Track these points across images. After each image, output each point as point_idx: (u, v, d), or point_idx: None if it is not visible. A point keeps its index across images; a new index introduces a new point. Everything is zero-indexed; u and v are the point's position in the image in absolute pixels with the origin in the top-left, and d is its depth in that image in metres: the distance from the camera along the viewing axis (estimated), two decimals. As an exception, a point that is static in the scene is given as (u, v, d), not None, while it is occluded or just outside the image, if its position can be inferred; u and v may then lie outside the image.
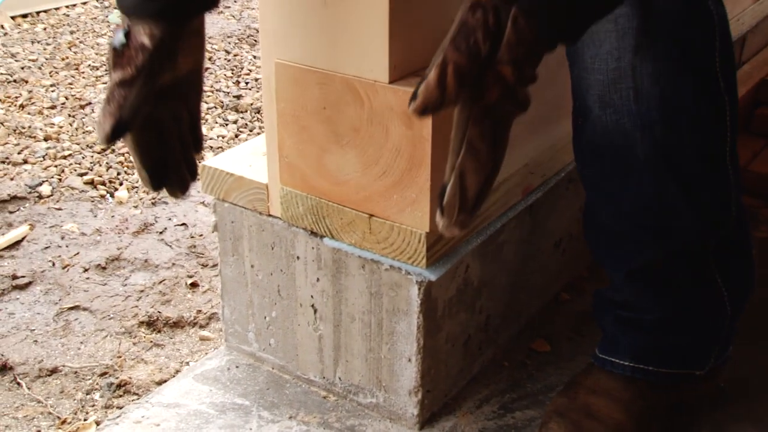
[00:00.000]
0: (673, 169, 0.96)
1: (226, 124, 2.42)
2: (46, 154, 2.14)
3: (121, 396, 1.35)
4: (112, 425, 1.13)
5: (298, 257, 1.11)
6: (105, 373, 1.39)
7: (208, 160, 1.17)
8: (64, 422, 1.28)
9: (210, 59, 2.87)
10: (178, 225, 1.87)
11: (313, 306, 1.13)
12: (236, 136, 2.36)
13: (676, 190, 0.97)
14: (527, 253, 1.25)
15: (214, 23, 3.26)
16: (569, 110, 1.05)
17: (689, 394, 1.13)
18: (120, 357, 1.43)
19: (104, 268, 1.70)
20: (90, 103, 2.47)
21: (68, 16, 3.30)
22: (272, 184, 1.10)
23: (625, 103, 0.94)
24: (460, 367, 1.16)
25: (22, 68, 2.71)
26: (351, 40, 0.94)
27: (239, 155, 1.18)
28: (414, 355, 1.06)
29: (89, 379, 1.38)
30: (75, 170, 2.08)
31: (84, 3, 3.42)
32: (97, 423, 1.26)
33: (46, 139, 2.23)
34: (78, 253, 1.74)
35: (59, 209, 1.91)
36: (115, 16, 3.24)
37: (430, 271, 1.02)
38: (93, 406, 1.32)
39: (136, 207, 1.94)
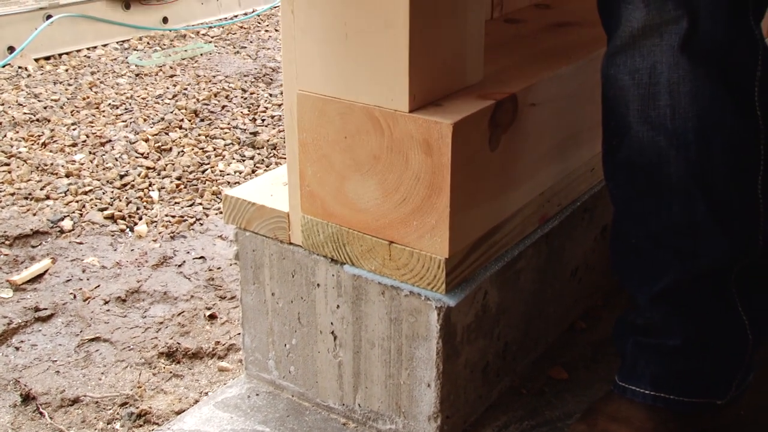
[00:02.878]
0: (704, 190, 0.98)
1: (243, 160, 2.46)
2: (68, 190, 2.18)
3: (141, 425, 1.36)
4: (134, 452, 1.14)
5: (318, 284, 1.13)
6: (125, 403, 1.40)
7: (230, 190, 1.19)
8: (85, 451, 1.29)
9: (227, 97, 2.92)
10: (196, 258, 1.89)
11: (332, 333, 1.14)
12: (253, 171, 2.40)
13: (705, 212, 0.98)
14: (544, 281, 1.26)
15: (230, 63, 3.32)
16: (584, 139, 1.07)
17: (710, 423, 1.12)
18: (140, 387, 1.45)
19: (124, 301, 1.72)
20: (110, 141, 2.52)
21: (89, 57, 3.37)
22: (293, 213, 1.13)
23: (662, 121, 0.96)
24: (479, 393, 1.17)
25: (45, 108, 2.77)
26: (371, 71, 0.97)
27: (260, 185, 1.21)
28: (433, 381, 1.07)
29: (110, 409, 1.39)
30: (95, 205, 2.12)
31: (104, 45, 3.51)
32: (118, 452, 1.27)
33: (67, 176, 2.28)
34: (98, 286, 1.76)
35: (80, 243, 1.94)
36: (135, 57, 3.32)
37: (449, 297, 1.03)
38: (114, 435, 1.33)
39: (155, 241, 1.97)
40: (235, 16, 4.07)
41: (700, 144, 0.96)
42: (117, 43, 3.57)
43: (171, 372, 1.50)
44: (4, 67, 3.15)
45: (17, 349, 1.54)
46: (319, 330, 1.16)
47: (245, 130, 2.67)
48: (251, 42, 3.68)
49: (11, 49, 3.22)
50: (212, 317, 1.68)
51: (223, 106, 2.84)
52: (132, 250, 1.92)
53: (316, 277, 1.13)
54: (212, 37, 3.72)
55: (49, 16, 3.32)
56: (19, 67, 3.18)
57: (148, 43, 3.60)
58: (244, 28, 3.89)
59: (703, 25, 0.92)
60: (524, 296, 1.21)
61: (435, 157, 0.96)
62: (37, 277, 1.78)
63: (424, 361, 1.07)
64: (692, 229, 1.00)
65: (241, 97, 2.96)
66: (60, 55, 3.36)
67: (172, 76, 3.15)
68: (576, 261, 1.36)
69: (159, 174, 2.32)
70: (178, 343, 1.57)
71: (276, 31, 3.86)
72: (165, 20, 3.77)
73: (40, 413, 1.37)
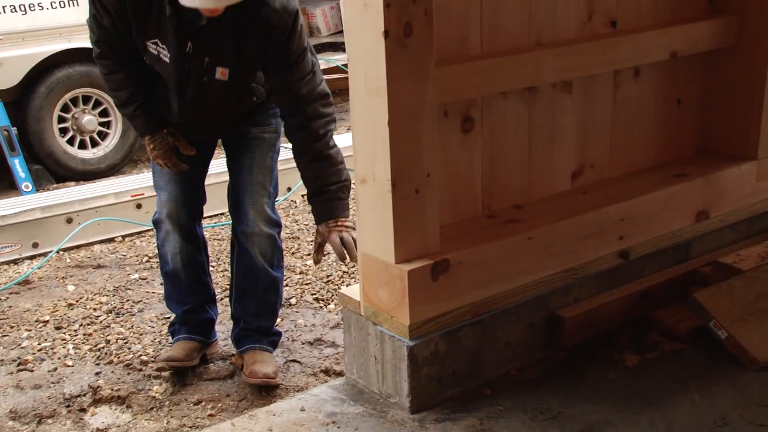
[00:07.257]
0: None
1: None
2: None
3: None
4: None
5: (369, 334, 2.59)
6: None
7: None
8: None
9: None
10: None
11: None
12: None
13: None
14: (482, 338, 2.59)
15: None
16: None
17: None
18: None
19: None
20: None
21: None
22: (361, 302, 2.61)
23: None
24: (435, 392, 2.52)
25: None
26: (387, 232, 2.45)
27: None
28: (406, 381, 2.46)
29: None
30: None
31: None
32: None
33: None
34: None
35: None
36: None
37: (412, 341, 2.43)
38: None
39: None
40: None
41: None
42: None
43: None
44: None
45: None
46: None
47: None
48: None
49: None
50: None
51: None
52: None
53: (368, 330, 2.58)
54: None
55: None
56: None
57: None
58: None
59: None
60: (465, 347, 2.55)
61: (400, 286, 2.39)
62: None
63: (405, 371, 2.46)
64: None
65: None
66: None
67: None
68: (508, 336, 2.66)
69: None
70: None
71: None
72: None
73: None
